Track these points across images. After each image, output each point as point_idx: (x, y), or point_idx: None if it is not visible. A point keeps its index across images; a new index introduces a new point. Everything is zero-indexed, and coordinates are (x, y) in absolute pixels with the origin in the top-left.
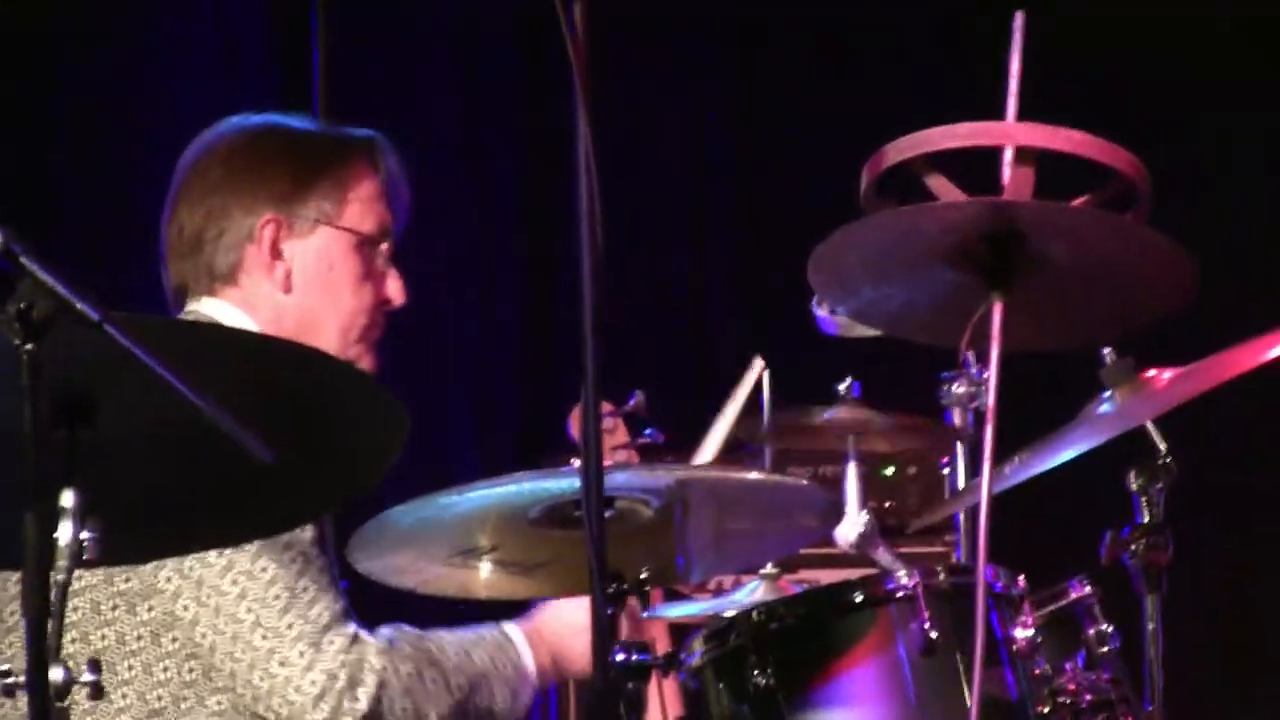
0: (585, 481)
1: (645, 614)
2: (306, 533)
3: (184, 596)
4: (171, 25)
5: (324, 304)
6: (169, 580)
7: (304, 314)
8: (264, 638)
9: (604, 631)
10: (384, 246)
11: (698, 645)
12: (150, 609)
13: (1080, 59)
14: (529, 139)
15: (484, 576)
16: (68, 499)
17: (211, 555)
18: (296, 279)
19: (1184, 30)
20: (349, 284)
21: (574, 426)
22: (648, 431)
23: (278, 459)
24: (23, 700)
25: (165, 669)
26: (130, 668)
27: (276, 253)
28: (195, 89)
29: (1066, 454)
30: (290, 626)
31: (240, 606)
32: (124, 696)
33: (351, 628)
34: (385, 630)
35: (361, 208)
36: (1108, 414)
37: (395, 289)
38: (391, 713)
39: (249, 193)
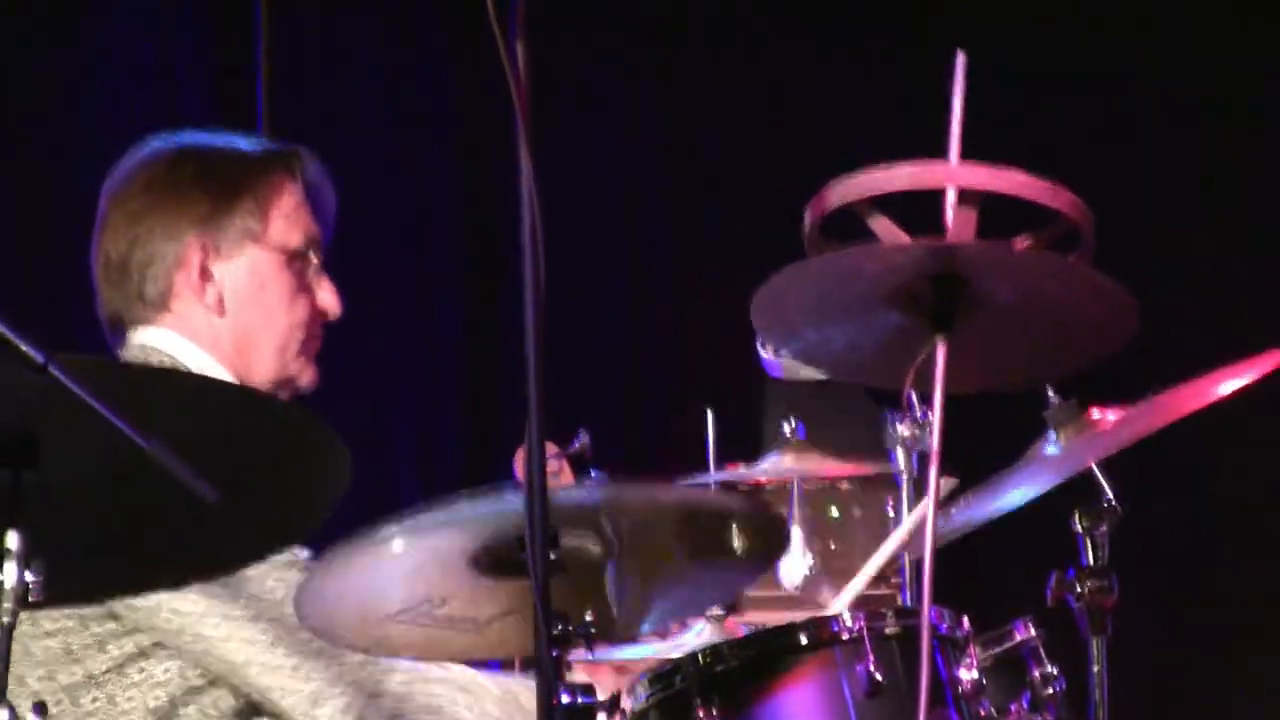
0: (529, 520)
1: (591, 657)
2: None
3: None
4: (108, 47)
5: (260, 323)
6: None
7: (240, 335)
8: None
9: (549, 674)
10: (313, 258)
11: (643, 688)
12: (122, 646)
13: (1025, 98)
14: (470, 172)
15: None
16: (12, 541)
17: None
18: (229, 301)
19: (1127, 71)
20: (283, 301)
21: (519, 467)
22: (592, 473)
23: (223, 499)
24: None
25: (130, 699)
26: (95, 699)
27: (206, 275)
28: (132, 111)
29: (1013, 497)
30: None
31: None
32: None
33: None
34: None
35: (286, 223)
36: (1053, 456)
37: (329, 300)
38: None
39: (171, 218)
